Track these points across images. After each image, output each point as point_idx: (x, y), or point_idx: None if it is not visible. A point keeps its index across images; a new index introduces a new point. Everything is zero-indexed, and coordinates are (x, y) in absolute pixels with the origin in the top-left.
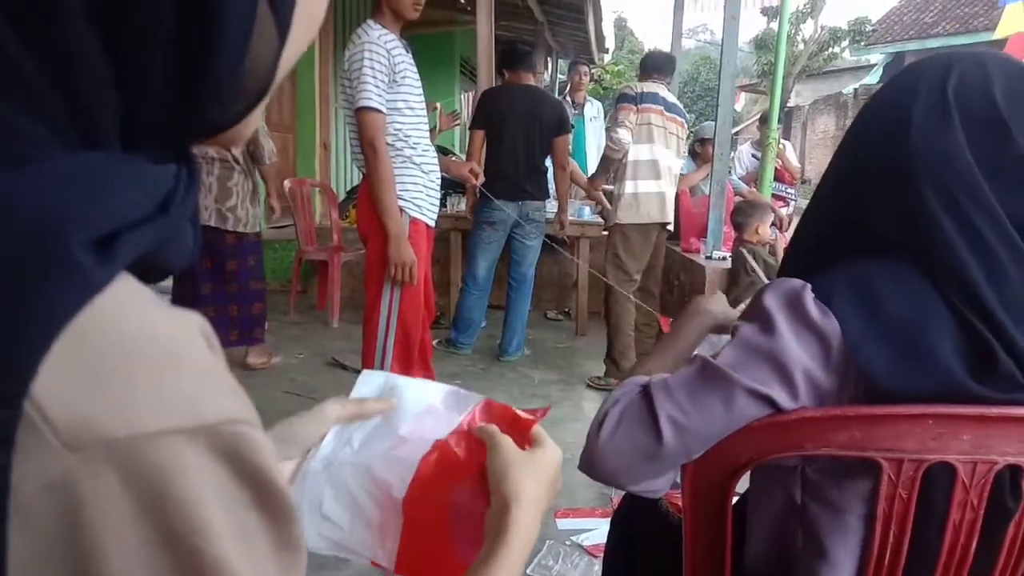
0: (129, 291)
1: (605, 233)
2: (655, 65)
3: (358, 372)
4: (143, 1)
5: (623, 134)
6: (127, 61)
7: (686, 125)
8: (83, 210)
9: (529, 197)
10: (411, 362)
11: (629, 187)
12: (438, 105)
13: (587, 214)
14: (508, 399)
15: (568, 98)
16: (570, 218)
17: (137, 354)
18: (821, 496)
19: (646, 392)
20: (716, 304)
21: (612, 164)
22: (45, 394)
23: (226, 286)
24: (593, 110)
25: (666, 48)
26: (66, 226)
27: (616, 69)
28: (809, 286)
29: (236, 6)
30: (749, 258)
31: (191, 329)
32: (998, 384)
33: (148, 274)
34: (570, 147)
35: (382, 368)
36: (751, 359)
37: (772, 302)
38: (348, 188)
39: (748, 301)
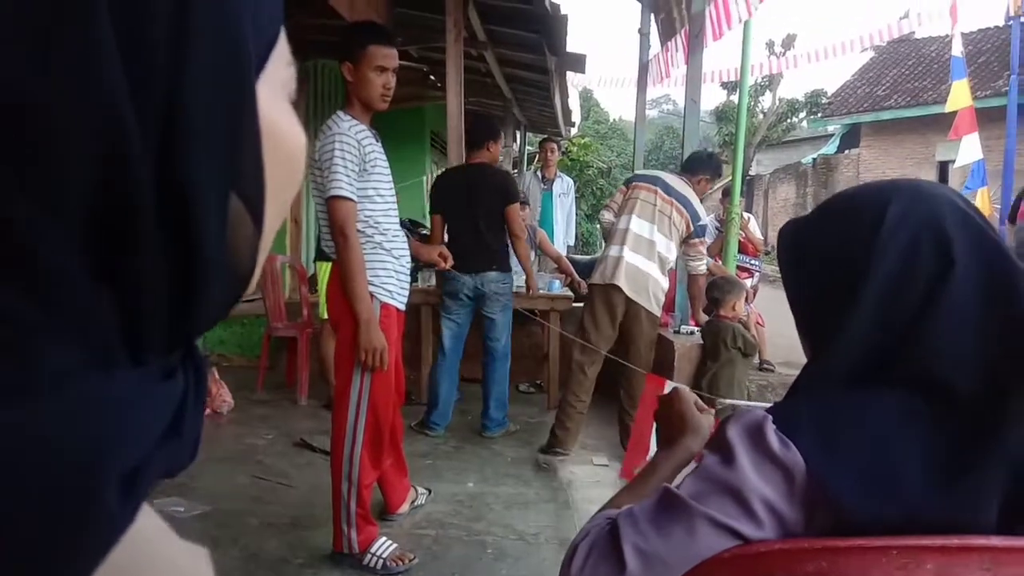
0: (147, 526)
1: (576, 305)
2: (695, 167)
3: (327, 454)
4: (129, 224)
5: (604, 215)
6: (120, 285)
7: (686, 214)
8: (110, 450)
9: (484, 269)
10: (381, 448)
11: (602, 252)
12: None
13: (557, 287)
14: (480, 480)
15: (538, 174)
16: (540, 291)
17: None
18: None
19: (613, 524)
20: (697, 440)
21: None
22: None
23: None
24: (563, 186)
25: (632, 119)
26: (95, 469)
27: (583, 141)
28: (770, 417)
29: (213, 216)
30: (728, 334)
31: (202, 561)
32: (968, 496)
33: None
34: (535, 219)
35: (352, 454)
36: (711, 490)
37: (734, 434)
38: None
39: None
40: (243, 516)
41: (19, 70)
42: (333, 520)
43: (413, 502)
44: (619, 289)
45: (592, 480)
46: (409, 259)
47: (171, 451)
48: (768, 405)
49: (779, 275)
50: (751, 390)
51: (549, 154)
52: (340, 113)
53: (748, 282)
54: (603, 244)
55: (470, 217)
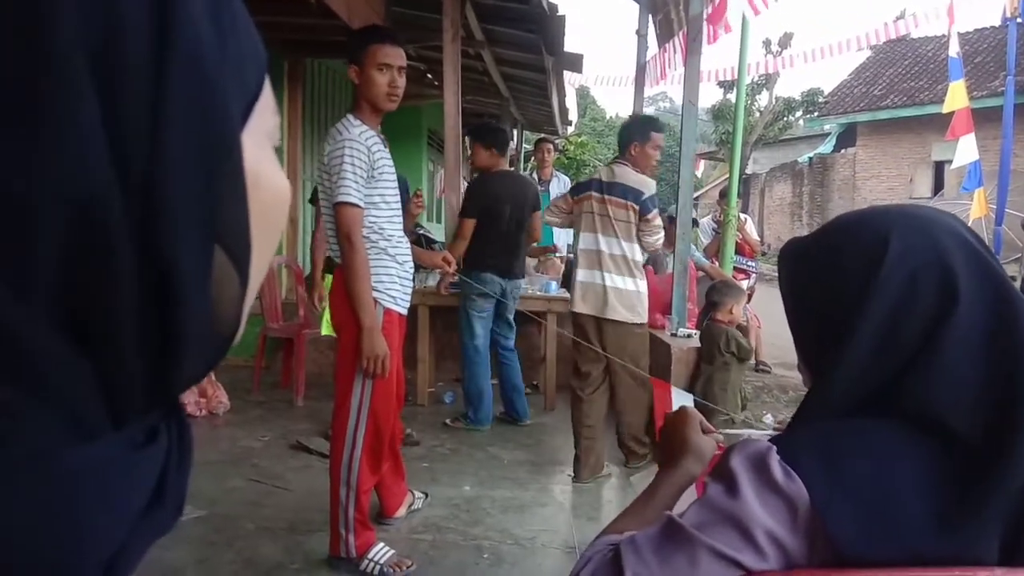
0: None
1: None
2: (622, 139)
3: (324, 456)
4: (108, 298)
5: (546, 217)
6: (100, 353)
7: (625, 202)
8: (89, 539)
9: (518, 276)
10: (381, 454)
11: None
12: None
13: (554, 289)
14: (476, 483)
15: (534, 175)
16: (537, 292)
17: None
18: None
19: (616, 551)
20: (698, 464)
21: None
22: None
23: None
24: (560, 185)
25: (627, 115)
26: (75, 559)
27: (580, 140)
28: (775, 448)
29: (195, 279)
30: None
31: None
32: (969, 539)
33: None
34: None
35: (351, 459)
36: (715, 521)
37: (738, 464)
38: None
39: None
40: (239, 520)
41: (3, 158)
42: (331, 525)
43: (410, 506)
44: (581, 314)
45: (588, 483)
46: (412, 265)
47: (153, 522)
48: (771, 434)
49: (775, 274)
50: (746, 392)
51: (545, 155)
52: (350, 117)
53: (745, 283)
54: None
55: (511, 224)
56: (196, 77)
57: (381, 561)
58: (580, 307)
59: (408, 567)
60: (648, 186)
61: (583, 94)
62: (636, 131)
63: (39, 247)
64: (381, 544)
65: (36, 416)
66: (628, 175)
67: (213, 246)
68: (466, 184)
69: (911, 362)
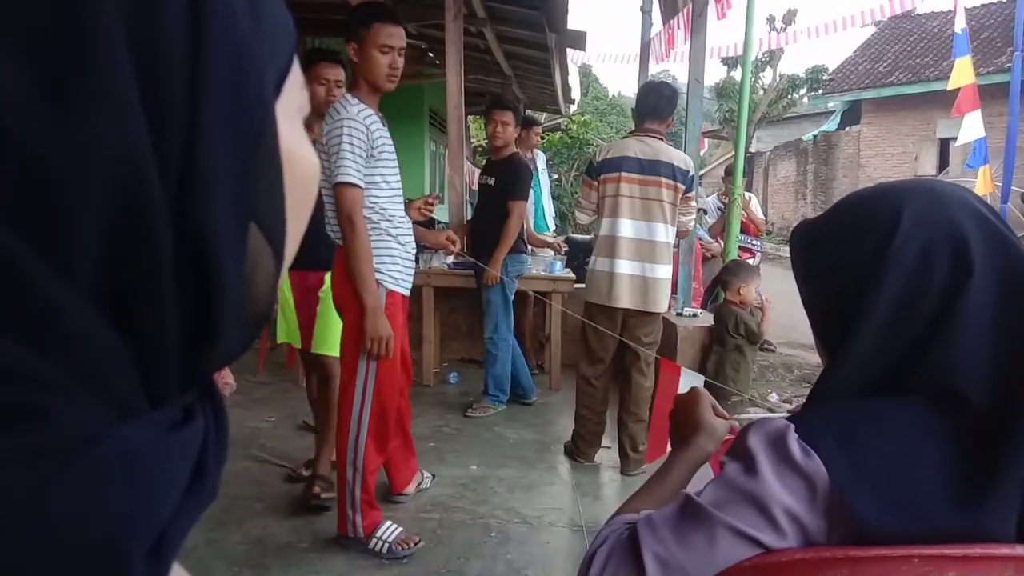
0: None
1: (579, 286)
2: (642, 109)
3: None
4: (147, 276)
5: (580, 217)
6: (138, 331)
7: (673, 183)
8: (136, 522)
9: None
10: (387, 437)
11: (591, 263)
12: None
13: (558, 269)
14: (483, 463)
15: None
16: (542, 272)
17: None
18: None
19: (632, 531)
20: (712, 442)
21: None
22: None
23: None
24: (542, 163)
25: (632, 94)
26: (122, 547)
27: (583, 119)
28: (792, 427)
29: (232, 257)
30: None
31: None
32: (988, 514)
33: None
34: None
35: (357, 440)
36: (733, 499)
37: (756, 442)
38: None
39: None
40: (248, 500)
41: (42, 128)
42: (338, 505)
43: (419, 485)
44: (612, 307)
45: (595, 462)
46: (414, 246)
47: (196, 501)
48: (787, 414)
49: (779, 254)
50: (753, 372)
51: (498, 128)
52: (348, 96)
53: (751, 262)
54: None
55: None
56: (232, 46)
57: (389, 539)
58: (624, 301)
59: (416, 544)
60: (691, 163)
61: (586, 72)
62: (668, 104)
63: (79, 223)
64: (389, 522)
65: (79, 397)
66: (667, 153)
67: (249, 223)
68: (503, 166)
69: (927, 334)
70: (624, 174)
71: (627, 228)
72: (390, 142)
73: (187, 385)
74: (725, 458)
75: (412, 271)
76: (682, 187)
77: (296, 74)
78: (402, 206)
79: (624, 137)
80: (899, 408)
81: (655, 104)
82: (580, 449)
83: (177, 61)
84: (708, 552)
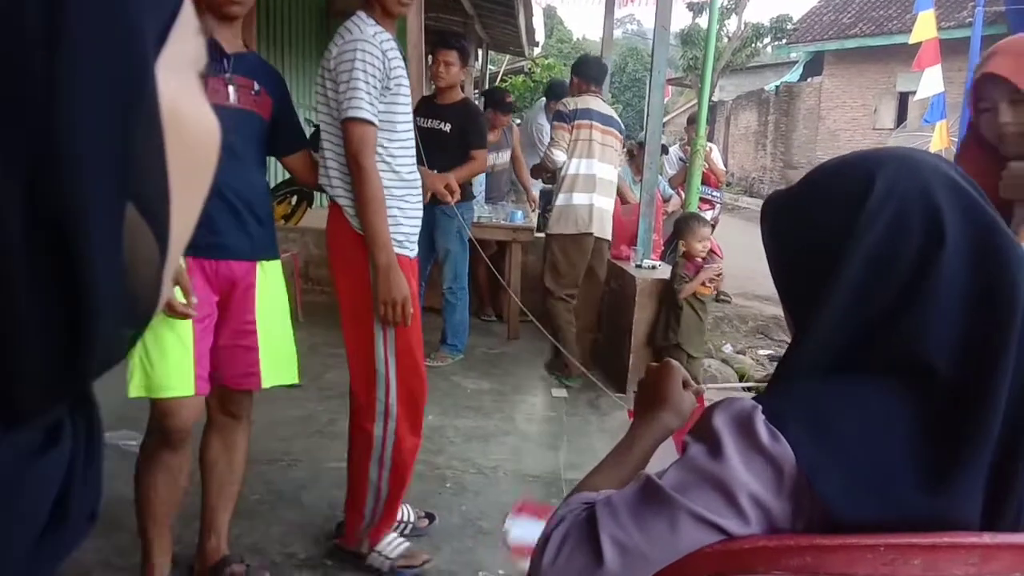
0: None
1: (539, 235)
2: (591, 75)
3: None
4: None
5: (557, 155)
6: None
7: (621, 136)
8: None
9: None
10: (419, 418)
11: (563, 199)
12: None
13: (519, 218)
14: (440, 412)
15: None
16: (502, 222)
17: None
18: None
19: (591, 512)
20: (676, 418)
21: (542, 173)
22: None
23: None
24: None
25: (597, 38)
26: None
27: (546, 63)
28: (760, 407)
29: (101, 244)
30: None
31: None
32: (955, 497)
33: None
34: None
35: (385, 432)
36: (697, 484)
37: (721, 423)
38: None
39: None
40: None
41: None
42: (347, 508)
43: None
44: (591, 234)
45: (550, 413)
46: (421, 201)
47: (56, 543)
48: (752, 394)
49: (738, 204)
50: (708, 324)
51: (441, 68)
52: (362, 14)
53: (709, 214)
54: (563, 180)
55: None
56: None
57: (392, 556)
58: (595, 229)
59: (424, 562)
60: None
61: (550, 14)
62: (603, 75)
63: None
64: (393, 535)
65: None
66: (610, 109)
67: (125, 202)
68: (469, 110)
69: (897, 303)
70: (595, 123)
71: (600, 169)
72: (406, 75)
73: (55, 398)
74: (688, 437)
75: (418, 230)
76: (621, 138)
77: (187, 19)
78: (414, 155)
79: (584, 94)
80: (868, 388)
81: (597, 74)
82: (564, 363)
83: (30, 14)
84: (669, 538)
